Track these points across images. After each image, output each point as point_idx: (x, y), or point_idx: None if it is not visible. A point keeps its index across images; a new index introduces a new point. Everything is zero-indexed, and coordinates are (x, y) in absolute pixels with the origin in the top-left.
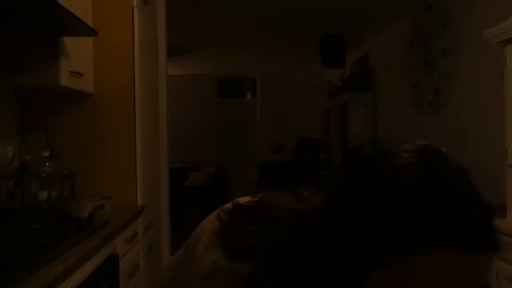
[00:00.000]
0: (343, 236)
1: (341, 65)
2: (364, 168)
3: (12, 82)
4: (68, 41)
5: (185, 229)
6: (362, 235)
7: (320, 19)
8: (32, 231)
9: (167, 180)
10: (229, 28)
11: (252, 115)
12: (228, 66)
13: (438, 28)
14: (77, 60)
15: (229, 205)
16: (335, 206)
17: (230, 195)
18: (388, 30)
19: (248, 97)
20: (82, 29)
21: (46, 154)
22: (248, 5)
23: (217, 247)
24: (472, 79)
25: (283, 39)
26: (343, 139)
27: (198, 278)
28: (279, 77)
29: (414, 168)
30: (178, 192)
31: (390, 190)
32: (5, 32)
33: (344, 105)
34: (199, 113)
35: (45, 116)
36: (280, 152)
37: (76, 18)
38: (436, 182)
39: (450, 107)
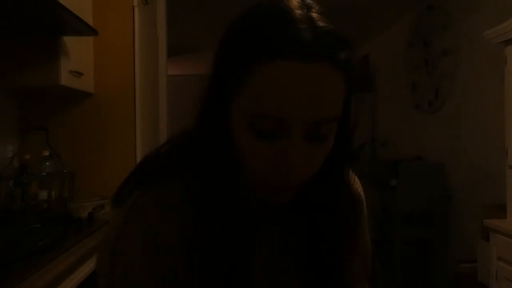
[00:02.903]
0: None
1: None
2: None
3: (12, 82)
4: (68, 41)
5: None
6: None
7: None
8: (32, 231)
9: None
10: None
11: None
12: None
13: (438, 28)
14: (77, 60)
15: None
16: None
17: None
18: (388, 30)
19: None
20: (82, 28)
21: (46, 154)
22: (248, 5)
23: None
24: (472, 79)
25: None
26: None
27: None
28: None
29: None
30: None
31: (246, 23)
32: (5, 32)
33: None
34: None
35: (45, 116)
36: None
37: (77, 17)
38: (276, 12)
39: (450, 107)
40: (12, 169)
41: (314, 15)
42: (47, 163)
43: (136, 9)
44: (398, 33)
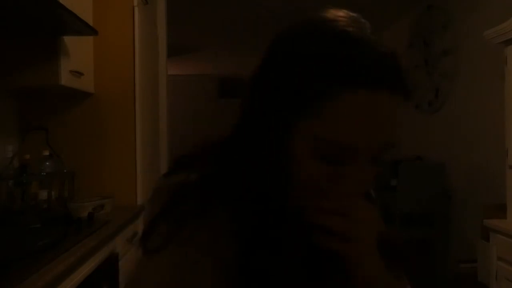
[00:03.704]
0: (266, 100)
1: None
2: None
3: (12, 82)
4: (69, 41)
5: None
6: (285, 89)
7: None
8: (32, 231)
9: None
10: (229, 28)
11: None
12: (228, 66)
13: (438, 28)
14: (78, 60)
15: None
16: (263, 75)
17: None
18: (388, 30)
19: None
20: (82, 28)
21: (46, 154)
22: (248, 5)
23: None
24: (472, 79)
25: None
26: None
27: None
28: None
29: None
30: None
31: (306, 48)
32: (5, 32)
33: None
34: (199, 113)
35: (45, 116)
36: None
37: (77, 17)
38: (344, 38)
39: (450, 107)
40: (12, 169)
41: (377, 39)
42: (47, 163)
43: (136, 9)
44: (398, 33)
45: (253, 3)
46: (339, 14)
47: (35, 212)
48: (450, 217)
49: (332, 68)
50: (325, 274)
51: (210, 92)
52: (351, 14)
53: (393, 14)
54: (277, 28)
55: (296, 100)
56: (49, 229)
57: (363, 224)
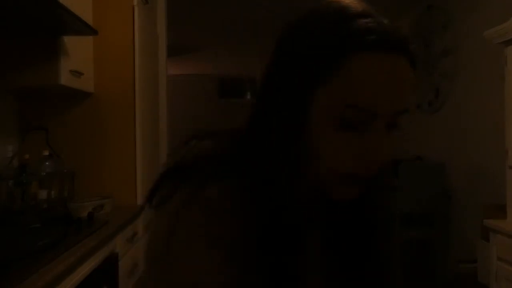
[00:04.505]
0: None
1: None
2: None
3: (12, 82)
4: (68, 41)
5: None
6: (305, 54)
7: None
8: (32, 231)
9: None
10: (229, 28)
11: None
12: (228, 66)
13: (438, 28)
14: (77, 60)
15: None
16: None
17: None
18: None
19: (248, 97)
20: (82, 28)
21: (46, 153)
22: (248, 5)
23: None
24: (472, 79)
25: None
26: None
27: None
28: None
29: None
30: None
31: (314, 23)
32: (5, 32)
33: None
34: (199, 113)
35: (45, 116)
36: None
37: (76, 17)
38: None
39: (450, 107)
40: (12, 169)
41: (376, 12)
42: (47, 163)
43: (136, 9)
44: None
45: (253, 3)
46: None
47: (35, 212)
48: (450, 217)
49: (340, 34)
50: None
51: (210, 92)
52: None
53: (393, 14)
54: (277, 28)
55: (311, 70)
56: (49, 229)
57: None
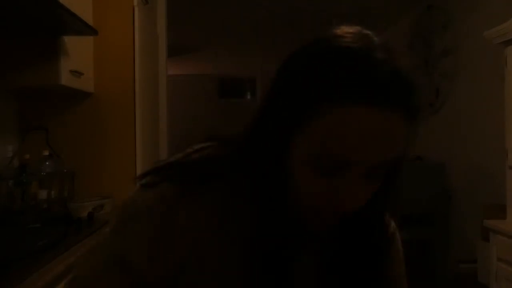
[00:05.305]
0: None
1: None
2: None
3: (12, 82)
4: (69, 41)
5: None
6: (291, 96)
7: (321, 20)
8: (32, 231)
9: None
10: (229, 28)
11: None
12: (228, 66)
13: (438, 28)
14: (77, 60)
15: None
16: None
17: None
18: (388, 30)
19: (248, 97)
20: (82, 28)
21: (46, 153)
22: (248, 5)
23: None
24: (472, 79)
25: (283, 39)
26: None
27: None
28: None
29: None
30: None
31: (314, 59)
32: (5, 32)
33: None
34: (199, 113)
35: (45, 116)
36: None
37: (77, 17)
38: (353, 52)
39: (450, 107)
40: (12, 169)
41: (380, 54)
42: (47, 163)
43: (136, 9)
44: (398, 33)
45: (253, 3)
46: (349, 30)
47: (35, 212)
48: (450, 217)
49: (322, 83)
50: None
51: (210, 92)
52: (363, 31)
53: (393, 14)
54: (278, 27)
55: (291, 115)
56: (49, 229)
57: None
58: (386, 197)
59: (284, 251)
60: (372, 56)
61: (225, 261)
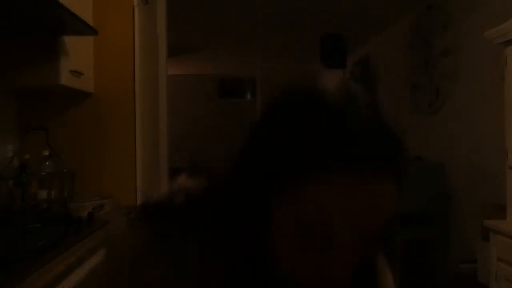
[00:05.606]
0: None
1: (342, 66)
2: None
3: (12, 82)
4: (68, 40)
5: None
6: (268, 164)
7: (320, 20)
8: (32, 231)
9: (167, 180)
10: (229, 28)
11: (252, 115)
12: (228, 66)
13: (438, 28)
14: (77, 60)
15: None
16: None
17: None
18: (388, 30)
19: (248, 97)
20: (82, 28)
21: (46, 153)
22: (248, 5)
23: None
24: (472, 79)
25: (283, 39)
26: None
27: None
28: (279, 77)
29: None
30: None
31: (292, 128)
32: (5, 32)
33: None
34: (199, 113)
35: (45, 116)
36: None
37: (77, 17)
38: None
39: (450, 107)
40: (12, 168)
41: (370, 116)
42: (47, 163)
43: (136, 9)
44: (398, 33)
45: (253, 3)
46: (330, 86)
47: (35, 212)
48: (450, 217)
49: (301, 152)
50: None
51: (210, 92)
52: (347, 86)
53: (393, 14)
54: (278, 27)
55: (271, 184)
56: (49, 229)
57: None
58: (374, 255)
59: None
60: (355, 120)
61: None
